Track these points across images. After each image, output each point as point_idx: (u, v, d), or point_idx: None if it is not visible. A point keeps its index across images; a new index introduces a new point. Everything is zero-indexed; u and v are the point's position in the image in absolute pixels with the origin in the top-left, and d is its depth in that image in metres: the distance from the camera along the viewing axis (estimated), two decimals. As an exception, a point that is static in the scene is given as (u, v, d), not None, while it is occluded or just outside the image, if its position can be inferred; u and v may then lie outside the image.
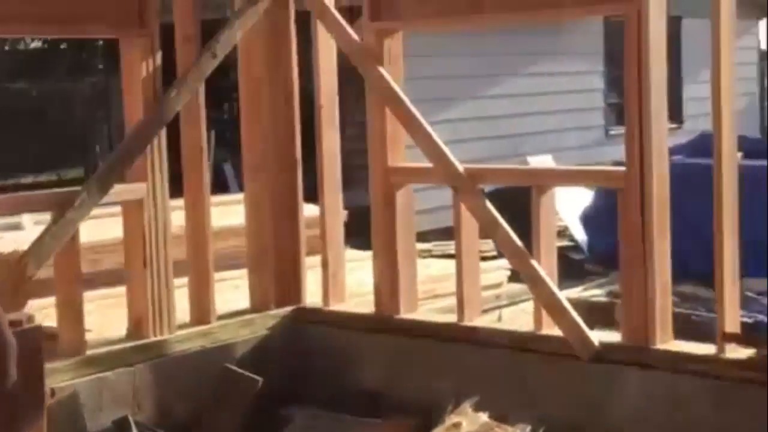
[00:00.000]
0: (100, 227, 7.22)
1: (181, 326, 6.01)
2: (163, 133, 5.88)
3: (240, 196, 7.07)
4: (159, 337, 5.83)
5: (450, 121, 12.25)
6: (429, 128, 5.93)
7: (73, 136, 19.78)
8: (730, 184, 5.03)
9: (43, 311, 5.90)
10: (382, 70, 6.05)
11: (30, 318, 3.59)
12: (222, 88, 12.99)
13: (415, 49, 10.26)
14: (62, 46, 20.12)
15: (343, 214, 6.59)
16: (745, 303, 7.27)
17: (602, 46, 15.26)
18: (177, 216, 6.12)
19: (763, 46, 20.71)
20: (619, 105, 15.70)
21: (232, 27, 6.15)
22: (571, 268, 10.26)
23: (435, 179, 6.24)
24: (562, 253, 10.18)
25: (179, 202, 6.15)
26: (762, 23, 19.67)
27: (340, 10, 6.30)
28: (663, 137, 5.21)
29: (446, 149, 5.83)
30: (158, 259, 5.85)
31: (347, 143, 7.02)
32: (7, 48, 20.73)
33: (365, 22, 6.12)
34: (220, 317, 6.22)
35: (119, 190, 5.73)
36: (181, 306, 6.08)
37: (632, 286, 5.26)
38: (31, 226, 7.99)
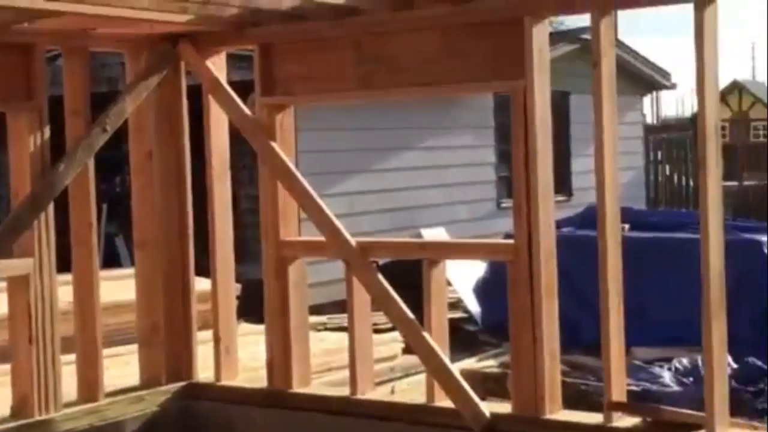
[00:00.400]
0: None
1: (68, 404, 5.87)
2: (51, 207, 5.80)
3: (132, 270, 6.98)
4: (45, 416, 5.69)
5: (345, 194, 12.32)
6: (321, 202, 5.96)
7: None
8: (615, 254, 5.15)
9: None
10: (273, 144, 6.08)
11: None
12: (114, 160, 12.87)
13: (308, 122, 10.36)
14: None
15: (236, 288, 6.55)
16: (633, 371, 7.42)
17: (493, 120, 15.57)
18: (65, 291, 6.01)
19: (648, 121, 21.37)
20: (510, 178, 16.03)
21: (124, 101, 6.12)
22: (465, 339, 10.36)
23: (327, 253, 6.27)
24: (456, 324, 10.31)
25: (67, 277, 6.05)
26: (646, 99, 20.33)
27: (230, 84, 6.33)
28: (550, 210, 5.33)
29: (338, 223, 5.86)
30: (44, 335, 5.73)
31: (241, 216, 7.01)
32: None
33: (257, 97, 6.16)
34: (109, 394, 6.09)
35: (5, 266, 5.62)
36: (70, 383, 5.95)
37: (521, 356, 5.33)
38: None
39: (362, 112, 12.55)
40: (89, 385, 5.97)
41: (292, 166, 6.05)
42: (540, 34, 5.24)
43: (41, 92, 5.80)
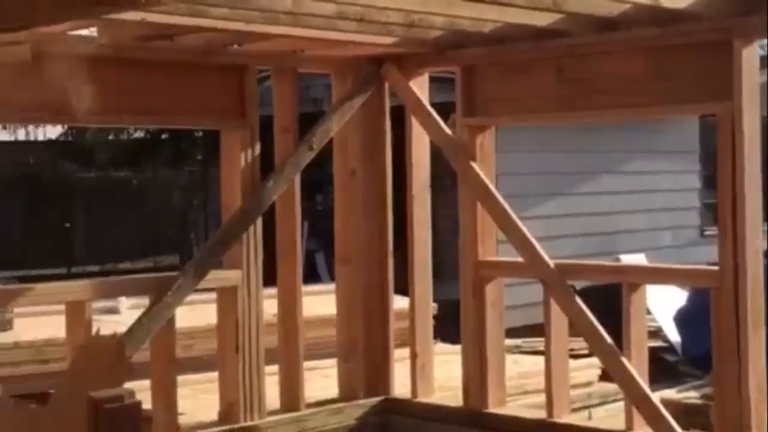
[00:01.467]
0: (193, 313, 7.36)
1: (272, 412, 6.06)
2: (259, 221, 6.02)
3: (331, 286, 7.16)
4: (250, 422, 5.90)
5: (543, 217, 12.23)
6: (520, 223, 5.96)
7: (170, 223, 20.24)
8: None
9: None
10: (474, 165, 6.13)
11: (130, 394, 3.69)
12: (316, 180, 13.22)
13: (507, 144, 10.35)
14: (163, 137, 20.70)
15: (432, 307, 6.62)
16: None
17: (698, 145, 15.16)
18: (268, 304, 6.22)
19: None
20: (715, 205, 15.55)
21: (330, 120, 6.30)
22: (665, 369, 10.09)
23: (525, 273, 6.26)
24: (656, 354, 10.05)
25: (270, 290, 6.25)
26: None
27: (433, 105, 6.43)
28: (758, 237, 5.17)
29: (537, 244, 5.85)
30: (250, 345, 5.94)
31: (439, 236, 7.08)
32: (111, 137, 21.39)
33: (458, 117, 6.23)
34: (310, 405, 6.26)
35: (215, 277, 5.86)
36: (272, 393, 6.14)
37: (726, 388, 5.17)
38: (126, 310, 8.19)
39: (561, 135, 12.45)
40: (291, 395, 6.16)
41: (492, 186, 6.08)
42: (750, 56, 5.11)
43: (253, 111, 6.04)
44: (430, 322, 6.53)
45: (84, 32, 5.65)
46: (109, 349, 4.86)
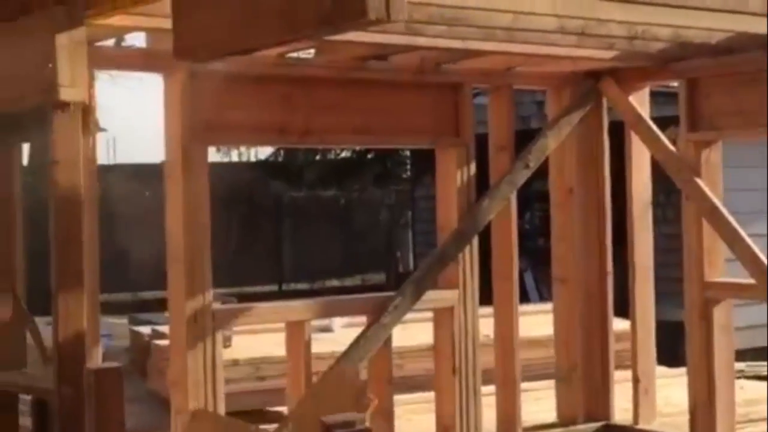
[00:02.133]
0: (403, 332, 7.34)
1: (487, 436, 5.96)
2: (476, 241, 5.93)
3: (540, 306, 7.02)
4: (466, 446, 5.81)
5: (764, 235, 11.68)
6: (750, 242, 5.66)
7: (376, 242, 20.47)
8: None
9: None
10: (699, 181, 5.86)
11: (362, 420, 3.67)
12: (525, 197, 13.08)
13: (734, 159, 9.92)
14: (369, 156, 20.98)
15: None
16: None
17: None
18: (483, 324, 6.11)
19: None
20: None
21: (545, 137, 6.17)
22: None
23: (757, 295, 5.93)
24: None
25: (484, 310, 6.14)
26: None
27: (653, 119, 6.20)
28: None
29: (769, 264, 5.54)
30: (467, 366, 5.85)
31: (657, 255, 6.82)
32: (318, 158, 21.84)
33: (682, 132, 5.98)
34: (527, 429, 6.12)
35: (432, 297, 5.80)
36: (486, 416, 6.03)
37: None
38: (339, 329, 8.26)
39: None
40: (508, 418, 6.03)
41: (719, 204, 5.80)
42: None
43: (468, 129, 5.96)
44: (653, 346, 6.28)
45: (302, 54, 5.74)
46: (351, 381, 4.90)
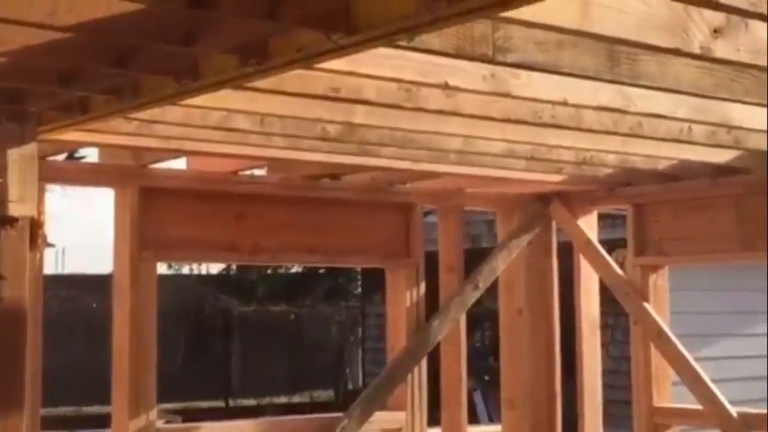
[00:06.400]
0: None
1: None
2: (424, 362, 5.90)
3: (489, 427, 6.96)
4: None
5: (713, 358, 11.75)
6: (698, 367, 5.68)
7: (325, 358, 20.30)
8: None
9: None
10: (646, 305, 5.91)
11: None
12: (475, 316, 13.07)
13: (680, 282, 10.02)
14: (320, 271, 20.95)
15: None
16: None
17: None
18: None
19: None
20: None
21: (495, 259, 6.20)
22: None
23: (705, 423, 5.93)
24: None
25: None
26: None
27: (600, 242, 6.26)
28: None
29: (717, 391, 5.55)
30: (414, 490, 5.76)
31: (606, 377, 6.82)
32: (269, 272, 21.76)
33: (630, 257, 6.04)
34: None
35: (380, 418, 5.74)
36: None
37: None
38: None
39: (736, 272, 12.02)
40: None
41: (666, 328, 5.84)
42: None
43: (419, 249, 5.99)
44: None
45: (255, 171, 5.76)
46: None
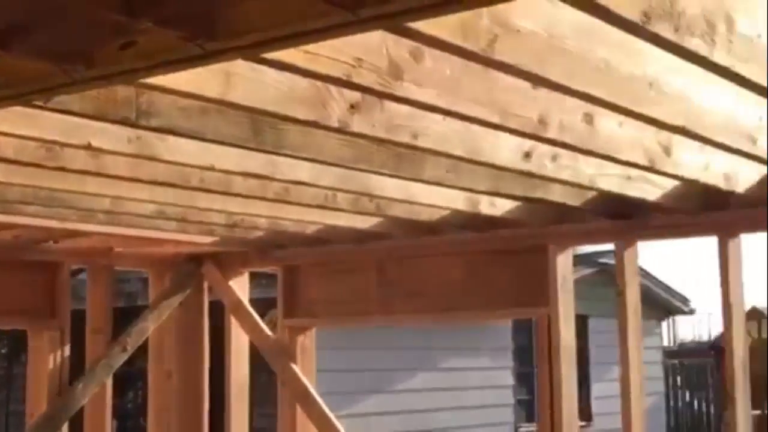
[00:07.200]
0: None
1: None
2: (66, 428, 5.70)
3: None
4: None
5: (362, 414, 12.14)
6: (339, 426, 5.84)
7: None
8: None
9: None
10: (294, 366, 6.02)
11: None
12: (128, 375, 12.76)
13: (328, 341, 10.30)
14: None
15: None
16: None
17: (511, 342, 15.48)
18: None
19: (664, 343, 21.16)
20: (528, 401, 15.77)
21: (146, 320, 6.12)
22: None
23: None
24: None
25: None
26: (664, 324, 20.21)
27: (251, 301, 6.34)
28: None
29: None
30: None
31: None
32: None
33: (280, 318, 6.15)
34: None
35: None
36: None
37: None
38: None
39: (382, 332, 12.51)
40: None
41: (311, 389, 5.97)
42: (564, 262, 5.26)
43: (65, 310, 5.81)
44: None
45: None
46: None
